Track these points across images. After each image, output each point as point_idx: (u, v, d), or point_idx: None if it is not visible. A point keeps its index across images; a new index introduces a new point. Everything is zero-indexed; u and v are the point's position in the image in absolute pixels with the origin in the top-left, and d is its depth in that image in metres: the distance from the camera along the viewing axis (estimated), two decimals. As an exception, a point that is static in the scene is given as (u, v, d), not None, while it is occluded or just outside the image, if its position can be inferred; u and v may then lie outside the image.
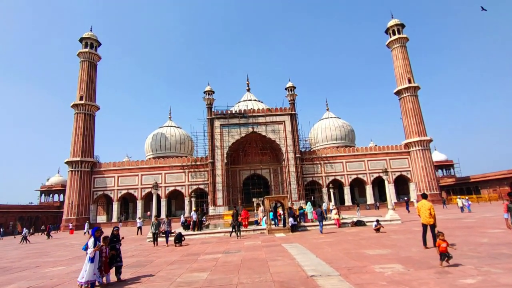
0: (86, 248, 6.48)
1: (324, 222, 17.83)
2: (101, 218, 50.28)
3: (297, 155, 47.56)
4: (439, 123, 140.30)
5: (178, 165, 49.41)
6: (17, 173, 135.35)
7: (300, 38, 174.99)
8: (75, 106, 50.10)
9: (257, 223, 18.96)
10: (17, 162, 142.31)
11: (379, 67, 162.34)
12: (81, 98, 50.54)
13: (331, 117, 64.18)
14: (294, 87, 50.82)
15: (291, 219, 15.27)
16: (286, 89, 50.92)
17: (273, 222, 16.30)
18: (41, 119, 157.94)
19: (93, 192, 49.02)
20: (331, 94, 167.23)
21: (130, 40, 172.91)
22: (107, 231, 7.58)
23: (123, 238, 7.78)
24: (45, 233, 31.35)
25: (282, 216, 16.30)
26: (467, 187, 56.84)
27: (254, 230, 16.68)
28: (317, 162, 50.80)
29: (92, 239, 6.49)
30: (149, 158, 55.14)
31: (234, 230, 14.49)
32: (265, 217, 17.33)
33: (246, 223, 16.35)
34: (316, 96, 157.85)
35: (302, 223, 16.86)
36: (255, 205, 41.84)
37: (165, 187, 48.25)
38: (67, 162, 48.31)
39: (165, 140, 57.38)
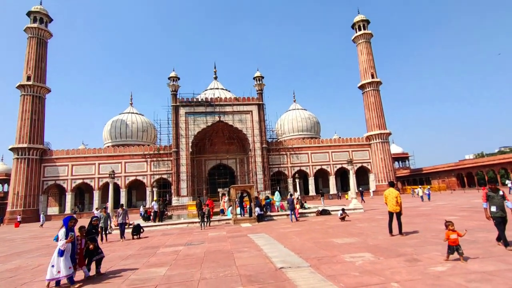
0: (57, 239, 5.73)
1: (285, 212, 17.81)
2: (53, 210, 46.70)
3: (263, 146, 47.54)
4: (396, 117, 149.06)
5: (139, 154, 47.03)
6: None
7: (268, 28, 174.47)
8: (21, 87, 45.22)
9: (222, 212, 18.40)
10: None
11: (346, 61, 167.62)
12: (28, 79, 45.72)
13: (298, 109, 65.00)
14: (262, 77, 50.38)
15: (257, 209, 14.92)
16: (254, 78, 50.32)
17: (239, 212, 15.85)
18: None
19: (43, 182, 45.03)
20: (298, 86, 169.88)
21: (88, 18, 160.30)
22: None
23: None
24: None
25: (248, 206, 15.91)
26: (420, 178, 61.18)
27: (219, 220, 16.10)
28: (284, 153, 51.25)
29: (63, 230, 5.73)
30: (108, 146, 51.90)
31: (203, 220, 13.74)
32: (230, 207, 16.83)
33: (211, 213, 15.70)
34: (284, 88, 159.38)
35: (269, 213, 16.62)
36: (220, 195, 41.23)
37: (125, 176, 45.80)
38: (12, 149, 43.76)
39: (125, 128, 54.26)
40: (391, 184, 9.35)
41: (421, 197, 23.75)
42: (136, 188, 49.57)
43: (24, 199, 42.50)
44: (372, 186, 52.53)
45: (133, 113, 57.56)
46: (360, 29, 55.80)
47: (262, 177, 46.78)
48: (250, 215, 15.29)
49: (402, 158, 75.48)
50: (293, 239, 8.76)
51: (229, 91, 59.40)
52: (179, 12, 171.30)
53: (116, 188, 43.67)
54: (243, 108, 48.31)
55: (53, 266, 5.45)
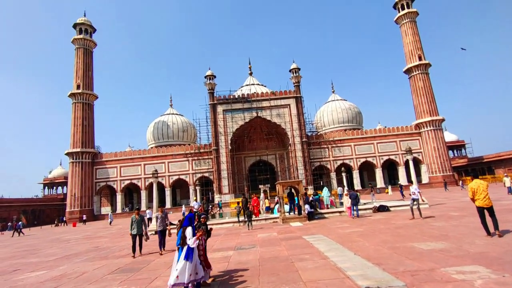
0: (180, 242, 5.00)
1: (337, 209, 16.27)
2: (105, 210, 49.35)
3: (303, 140, 45.78)
4: (449, 102, 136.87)
5: (181, 153, 47.94)
6: (20, 167, 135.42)
7: (302, 19, 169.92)
8: (72, 95, 48.40)
9: (268, 209, 17.38)
10: (20, 156, 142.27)
11: (387, 45, 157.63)
12: (78, 87, 48.76)
13: (338, 100, 61.96)
14: (299, 69, 48.49)
15: (307, 206, 13.66)
16: (290, 71, 48.62)
17: (287, 210, 14.69)
18: (41, 111, 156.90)
19: (95, 183, 47.91)
20: (337, 75, 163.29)
21: (127, 26, 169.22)
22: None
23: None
24: (14, 230, 28.78)
25: (296, 203, 14.69)
26: (481, 168, 54.88)
27: (265, 219, 15.11)
28: (325, 146, 48.98)
29: (190, 228, 4.99)
30: (152, 147, 53.73)
31: (250, 220, 12.79)
32: (277, 205, 15.75)
33: (257, 211, 14.77)
34: (321, 78, 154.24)
35: (319, 210, 15.26)
36: (261, 192, 40.51)
37: (169, 176, 46.95)
38: (67, 154, 47.06)
39: (167, 128, 55.78)
40: (476, 175, 7.82)
41: (509, 188, 19.49)
42: (180, 187, 50.72)
43: (80, 200, 45.53)
44: (425, 178, 48.24)
45: (173, 114, 59.02)
46: (403, 8, 51.32)
47: (303, 172, 45.12)
48: (300, 213, 14.06)
49: (457, 146, 68.54)
50: (360, 242, 7.39)
51: (265, 86, 58.35)
52: (211, 11, 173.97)
53: (161, 188, 45.02)
54: (281, 102, 46.91)
55: (177, 269, 4.76)
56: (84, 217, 41.53)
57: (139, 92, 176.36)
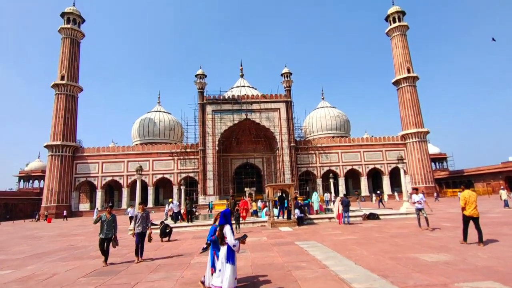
0: (212, 239, 4.50)
1: (327, 215, 15.97)
2: (84, 206, 47.45)
3: (291, 144, 45.67)
4: (432, 115, 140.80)
5: (167, 152, 46.83)
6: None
7: (295, 24, 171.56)
8: (55, 86, 46.50)
9: (255, 213, 16.87)
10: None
11: (377, 56, 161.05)
12: (62, 78, 46.91)
13: (327, 107, 62.43)
14: (290, 73, 48.54)
15: (297, 211, 13.25)
16: (282, 75, 48.58)
17: (276, 214, 14.22)
18: (22, 99, 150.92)
19: (75, 179, 46.00)
20: (327, 82, 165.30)
21: (117, 19, 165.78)
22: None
23: None
24: None
25: (285, 207, 14.26)
26: (460, 181, 56.31)
27: (253, 222, 14.58)
28: (312, 152, 49.05)
29: (228, 227, 4.34)
30: (136, 144, 52.30)
31: (238, 223, 12.25)
32: (266, 208, 15.28)
33: (245, 214, 14.24)
34: (312, 85, 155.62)
35: (308, 216, 14.89)
36: (247, 194, 40.00)
37: (153, 174, 45.69)
38: (46, 146, 45.03)
39: (153, 126, 54.47)
40: (467, 186, 7.85)
41: (505, 201, 18.94)
42: (164, 186, 49.47)
43: (57, 195, 43.54)
44: (408, 188, 48.95)
45: (160, 111, 57.77)
46: (394, 21, 52.41)
47: (290, 177, 44.91)
48: (289, 217, 13.63)
49: (439, 159, 70.33)
50: (358, 251, 7.00)
51: (255, 88, 58.08)
52: (204, 10, 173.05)
53: (144, 186, 43.68)
54: (271, 106, 46.72)
55: (220, 270, 4.25)
56: (65, 212, 40.08)
57: (126, 87, 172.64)
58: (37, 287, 5.33)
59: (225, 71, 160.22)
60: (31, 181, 61.22)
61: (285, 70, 48.51)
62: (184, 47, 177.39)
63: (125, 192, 45.90)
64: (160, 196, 50.05)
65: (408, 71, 50.80)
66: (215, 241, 4.48)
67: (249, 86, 57.90)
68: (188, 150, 46.40)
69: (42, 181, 59.29)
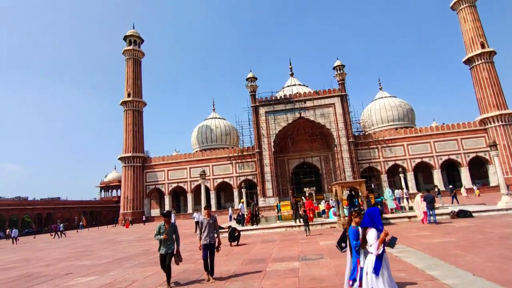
0: (357, 246, 3.75)
1: (406, 214, 14.24)
2: (155, 212, 51.13)
3: (350, 140, 43.16)
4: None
5: (224, 157, 48.10)
6: (80, 172, 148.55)
7: (342, 13, 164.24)
8: (124, 103, 51.24)
9: (324, 213, 15.89)
10: (80, 161, 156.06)
11: (441, 36, 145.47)
12: (128, 95, 51.52)
13: (386, 97, 57.84)
14: (343, 66, 46.04)
15: (370, 210, 12.01)
16: (334, 68, 46.35)
17: (346, 214, 13.10)
18: (98, 119, 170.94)
19: (146, 186, 49.99)
20: (384, 72, 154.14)
21: (170, 34, 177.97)
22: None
23: None
24: (55, 232, 30.12)
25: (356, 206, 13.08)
26: None
27: (322, 223, 13.69)
28: (374, 146, 45.70)
29: (374, 232, 3.59)
30: (196, 151, 54.81)
31: (307, 225, 11.42)
32: (333, 208, 14.26)
33: (312, 215, 13.44)
34: (366, 76, 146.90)
35: (383, 215, 13.45)
36: (306, 195, 38.85)
37: (213, 179, 47.26)
38: (120, 158, 49.75)
39: (210, 132, 56.54)
40: None
41: None
42: (224, 189, 50.86)
43: (132, 202, 47.76)
44: (493, 180, 42.55)
45: (216, 118, 59.79)
46: (461, -8, 46.38)
47: (351, 174, 42.43)
48: (362, 218, 12.44)
49: (531, 144, 59.92)
50: (467, 257, 5.75)
51: (307, 86, 56.55)
52: (250, 13, 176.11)
53: (206, 191, 45.48)
54: (324, 102, 44.86)
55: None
56: (144, 217, 44.77)
57: (183, 98, 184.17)
58: (119, 295, 5.35)
59: (275, 72, 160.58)
60: (110, 190, 68.42)
61: (338, 63, 46.24)
62: (234, 53, 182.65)
63: (189, 197, 48.34)
64: (222, 200, 51.56)
65: (482, 46, 44.42)
66: (358, 247, 3.74)
67: (300, 84, 56.63)
68: (244, 153, 47.01)
69: (119, 190, 65.85)
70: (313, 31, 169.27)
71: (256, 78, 47.31)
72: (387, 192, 15.39)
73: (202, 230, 6.08)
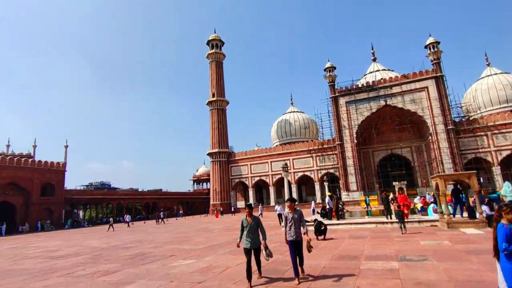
0: (507, 250, 3.05)
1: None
2: (240, 204, 54.10)
3: (449, 127, 37.66)
4: None
5: (304, 150, 47.67)
6: (177, 166, 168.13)
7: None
8: (209, 103, 55.54)
9: (423, 210, 14.18)
10: (176, 157, 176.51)
11: None
12: (213, 95, 55.57)
13: (496, 74, 48.12)
14: (438, 42, 40.19)
15: (485, 208, 10.13)
16: (426, 47, 40.94)
17: (451, 211, 11.37)
18: (190, 118, 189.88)
19: (231, 180, 53.35)
20: (490, 45, 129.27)
21: (247, 32, 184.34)
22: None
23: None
24: (157, 219, 35.66)
25: (464, 203, 11.23)
26: None
27: (419, 221, 12.23)
28: (481, 133, 38.77)
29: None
30: (276, 145, 55.72)
31: (402, 222, 10.34)
32: (433, 204, 12.58)
33: (407, 212, 12.12)
34: (468, 52, 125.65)
35: (501, 214, 11.22)
36: (396, 189, 35.47)
37: (294, 172, 47.32)
38: (208, 154, 54.25)
39: (289, 126, 56.69)
40: None
41: None
42: (305, 183, 50.52)
43: (220, 194, 51.68)
44: None
45: (294, 112, 59.60)
46: None
47: (451, 166, 37.01)
48: (472, 216, 10.60)
49: None
50: None
51: (392, 70, 51.39)
52: (324, 2, 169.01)
53: (288, 182, 46.05)
54: (415, 86, 40.09)
55: None
56: (232, 209, 48.23)
57: (262, 94, 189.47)
58: (215, 279, 5.77)
59: (355, 59, 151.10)
60: (201, 183, 75.42)
61: (430, 40, 40.69)
62: (311, 43, 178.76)
63: (271, 190, 49.61)
64: (303, 193, 51.33)
65: None
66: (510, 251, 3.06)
67: (384, 69, 51.81)
68: (325, 146, 45.66)
69: (208, 183, 72.01)
70: (397, 8, 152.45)
71: (334, 68, 45.25)
72: (506, 186, 12.73)
73: (287, 226, 5.54)
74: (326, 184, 33.65)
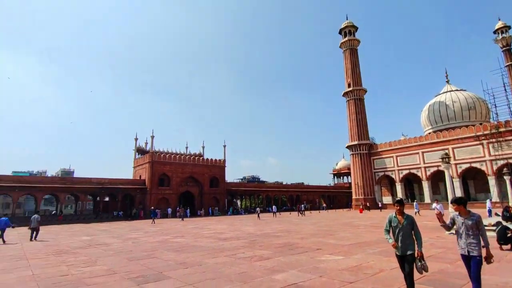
0: None
1: None
2: (387, 199, 49.64)
3: None
4: None
5: (470, 136, 38.77)
6: (316, 160, 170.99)
7: None
8: (345, 94, 53.59)
9: None
10: (315, 151, 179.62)
11: None
12: (349, 85, 53.25)
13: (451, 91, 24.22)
14: None
15: None
16: None
17: None
18: (325, 112, 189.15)
19: (374, 173, 49.70)
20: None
21: (380, 14, 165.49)
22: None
23: None
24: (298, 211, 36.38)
25: None
26: None
27: None
28: None
29: None
30: (429, 133, 47.76)
31: None
32: None
33: None
34: None
35: None
36: None
37: (455, 164, 39.25)
38: (347, 147, 52.47)
39: (445, 109, 47.28)
40: None
41: None
42: (473, 177, 41.00)
43: (362, 188, 49.03)
44: None
45: (451, 91, 49.22)
46: None
47: None
48: None
49: None
50: None
51: None
52: None
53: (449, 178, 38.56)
54: None
55: None
56: (380, 204, 46.13)
57: (404, 79, 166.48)
58: (367, 282, 5.42)
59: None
60: (341, 177, 73.82)
61: None
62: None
63: (425, 185, 43.06)
64: (471, 190, 41.74)
65: None
66: None
67: None
68: (501, 129, 35.66)
69: (348, 177, 69.64)
70: None
71: (509, 27, 34.56)
72: None
73: (459, 233, 4.13)
74: (507, 178, 26.10)
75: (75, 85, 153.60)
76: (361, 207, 40.62)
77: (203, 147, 50.82)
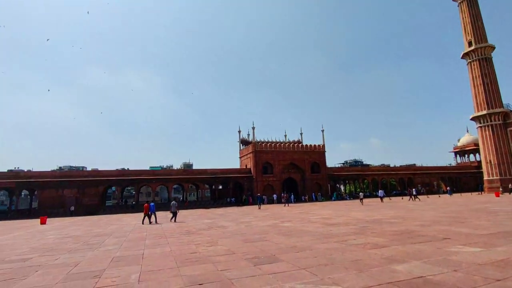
0: None
1: None
2: (535, 180, 39.36)
3: None
4: None
5: None
6: (431, 138, 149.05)
7: None
8: (465, 55, 44.75)
9: None
10: (430, 129, 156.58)
11: None
12: (469, 44, 44.13)
13: None
14: None
15: None
16: None
17: None
18: (439, 84, 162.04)
19: (513, 148, 40.11)
20: None
21: None
22: None
23: None
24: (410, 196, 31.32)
25: None
26: None
27: None
28: None
29: None
30: None
31: None
32: None
33: None
34: None
35: None
36: None
37: None
38: (472, 118, 43.97)
39: None
40: None
41: None
42: None
43: (497, 167, 40.32)
44: None
45: None
46: None
47: None
48: None
49: None
50: None
51: None
52: None
53: None
54: None
55: None
56: (510, 185, 36.80)
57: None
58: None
59: None
60: (466, 155, 62.34)
61: None
62: None
63: None
64: None
65: None
66: None
67: None
68: None
69: (476, 154, 58.22)
70: None
71: None
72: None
73: None
74: None
75: (185, 90, 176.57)
76: (500, 189, 33.39)
77: (301, 134, 50.95)
